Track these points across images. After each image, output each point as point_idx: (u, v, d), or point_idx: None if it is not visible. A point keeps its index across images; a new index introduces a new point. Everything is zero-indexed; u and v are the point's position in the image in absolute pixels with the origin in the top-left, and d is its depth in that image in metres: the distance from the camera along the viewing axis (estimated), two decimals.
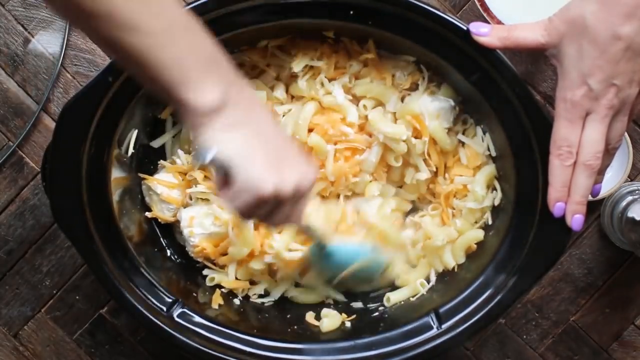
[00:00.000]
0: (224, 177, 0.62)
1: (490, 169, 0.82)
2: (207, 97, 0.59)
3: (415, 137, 0.81)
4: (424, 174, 0.82)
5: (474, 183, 0.82)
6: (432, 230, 0.83)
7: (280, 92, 0.82)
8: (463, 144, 0.83)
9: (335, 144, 0.82)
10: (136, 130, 0.81)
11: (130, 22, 0.55)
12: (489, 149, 0.82)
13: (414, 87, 0.83)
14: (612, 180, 0.86)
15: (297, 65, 0.80)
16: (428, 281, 0.85)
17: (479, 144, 0.82)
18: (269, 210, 0.64)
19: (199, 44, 0.59)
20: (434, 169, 0.83)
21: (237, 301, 0.85)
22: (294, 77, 0.82)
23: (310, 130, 0.81)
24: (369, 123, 0.81)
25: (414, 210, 0.86)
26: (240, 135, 0.61)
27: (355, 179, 0.83)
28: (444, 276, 0.85)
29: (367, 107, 0.81)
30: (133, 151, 0.82)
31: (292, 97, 0.84)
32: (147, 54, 0.56)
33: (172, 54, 0.57)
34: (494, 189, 0.82)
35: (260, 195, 0.61)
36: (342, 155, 0.82)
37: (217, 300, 0.83)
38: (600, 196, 0.86)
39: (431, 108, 0.80)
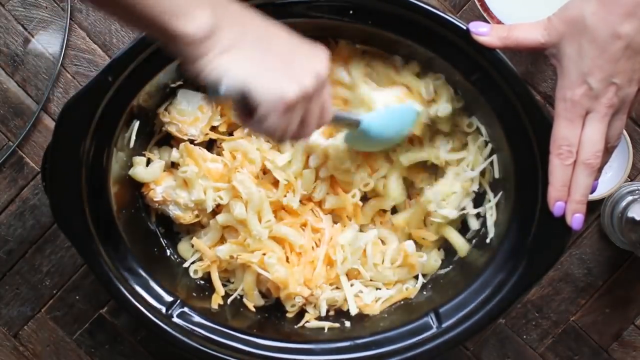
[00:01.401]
0: (244, 106, 0.61)
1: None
2: (198, 23, 0.57)
3: None
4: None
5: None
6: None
7: None
8: None
9: None
10: (137, 122, 0.80)
11: None
12: (487, 142, 0.82)
13: None
14: (612, 180, 0.86)
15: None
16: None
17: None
18: (301, 116, 0.63)
19: None
20: None
21: (237, 301, 0.85)
22: None
23: None
24: None
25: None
26: (243, 54, 0.59)
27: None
28: (441, 278, 0.85)
29: None
30: (134, 142, 0.82)
31: None
32: None
33: None
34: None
35: (287, 102, 0.60)
36: None
37: (216, 300, 0.83)
38: (600, 196, 0.86)
39: None
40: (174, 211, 0.83)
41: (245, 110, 0.61)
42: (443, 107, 0.80)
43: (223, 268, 0.85)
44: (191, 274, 0.85)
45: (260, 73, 0.60)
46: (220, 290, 0.84)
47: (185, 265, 0.85)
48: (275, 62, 0.61)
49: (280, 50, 0.62)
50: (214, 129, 0.85)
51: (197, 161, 0.82)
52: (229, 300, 0.84)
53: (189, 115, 0.83)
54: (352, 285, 0.84)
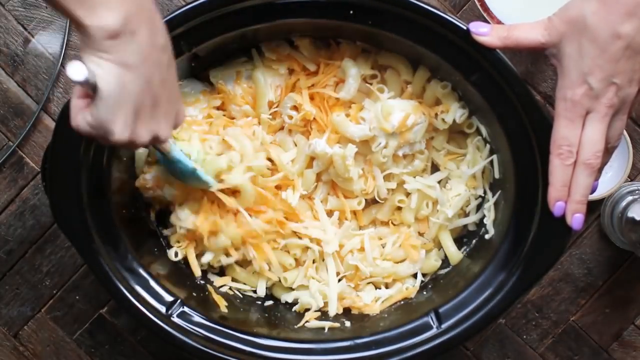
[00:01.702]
0: (86, 93, 0.61)
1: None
2: (103, 21, 0.57)
3: None
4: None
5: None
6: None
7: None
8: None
9: None
10: None
11: None
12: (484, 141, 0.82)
13: None
14: (612, 180, 0.86)
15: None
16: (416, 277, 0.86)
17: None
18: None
19: None
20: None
21: (237, 301, 0.85)
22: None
23: None
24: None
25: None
26: (127, 76, 0.59)
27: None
28: (441, 278, 0.86)
29: None
30: None
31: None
32: None
33: None
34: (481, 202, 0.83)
35: (110, 139, 0.61)
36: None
37: (221, 302, 0.83)
38: (600, 196, 0.86)
39: None
40: (168, 192, 0.82)
41: (83, 94, 0.61)
42: (460, 113, 0.81)
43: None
44: (171, 256, 0.84)
45: (123, 98, 0.60)
46: (196, 271, 0.84)
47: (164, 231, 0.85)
48: (140, 102, 0.61)
49: (153, 96, 0.62)
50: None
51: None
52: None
53: (189, 97, 0.83)
54: (339, 280, 0.85)
